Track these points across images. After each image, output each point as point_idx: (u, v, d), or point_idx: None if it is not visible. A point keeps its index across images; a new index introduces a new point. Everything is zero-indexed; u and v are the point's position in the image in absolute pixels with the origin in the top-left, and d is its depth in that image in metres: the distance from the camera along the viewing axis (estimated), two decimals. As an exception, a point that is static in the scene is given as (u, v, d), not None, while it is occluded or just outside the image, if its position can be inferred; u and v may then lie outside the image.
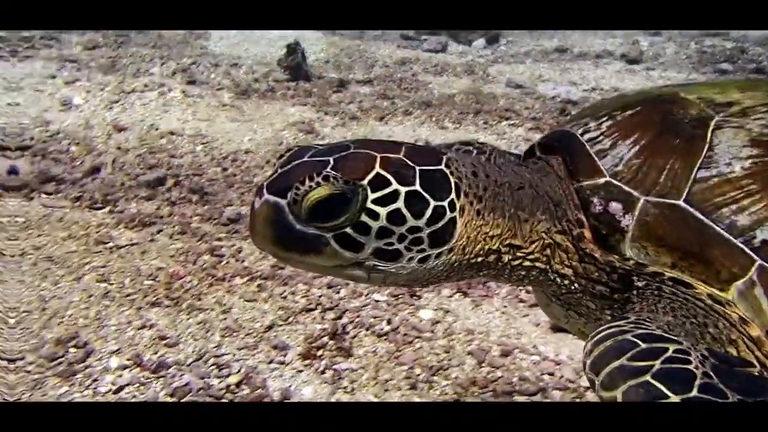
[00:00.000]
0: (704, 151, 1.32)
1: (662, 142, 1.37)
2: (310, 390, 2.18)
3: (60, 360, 2.16)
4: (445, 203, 1.32)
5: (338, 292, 2.67)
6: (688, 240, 1.30)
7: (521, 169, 1.49)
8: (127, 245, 2.83)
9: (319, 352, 2.32)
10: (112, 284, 2.57)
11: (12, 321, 2.31)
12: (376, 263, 1.30)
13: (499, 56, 8.17)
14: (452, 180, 1.34)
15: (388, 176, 1.28)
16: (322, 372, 2.27)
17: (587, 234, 1.39)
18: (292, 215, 1.25)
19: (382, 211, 1.27)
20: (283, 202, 1.25)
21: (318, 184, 1.24)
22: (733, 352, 1.31)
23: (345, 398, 2.16)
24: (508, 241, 1.42)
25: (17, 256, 2.71)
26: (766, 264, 1.24)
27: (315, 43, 7.66)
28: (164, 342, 2.31)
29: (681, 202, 1.30)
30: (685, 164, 1.31)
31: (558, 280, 1.45)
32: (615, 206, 1.35)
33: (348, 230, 1.26)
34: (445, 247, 1.34)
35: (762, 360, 1.28)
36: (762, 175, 1.29)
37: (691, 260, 1.30)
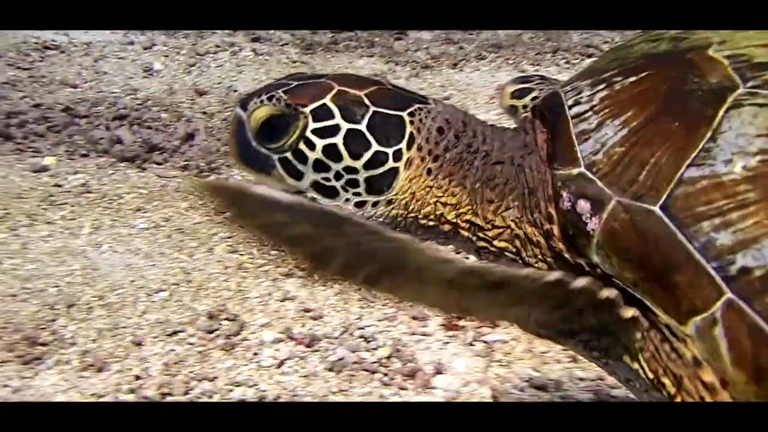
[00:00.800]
0: (703, 142, 1.06)
1: (657, 124, 1.12)
2: (462, 363, 2.18)
3: (217, 333, 2.23)
4: (390, 150, 1.25)
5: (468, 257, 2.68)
6: (655, 257, 1.07)
7: (515, 141, 1.31)
8: (247, 213, 2.88)
9: (461, 323, 2.33)
10: (243, 255, 2.62)
11: (166, 294, 2.39)
12: (316, 196, 1.27)
13: None
14: (408, 130, 1.26)
15: (334, 109, 1.25)
16: (471, 344, 2.27)
17: (556, 232, 1.21)
18: (249, 132, 1.27)
19: (319, 143, 1.24)
20: (244, 116, 1.27)
21: (262, 103, 1.25)
22: (681, 392, 1.12)
23: (502, 372, 2.17)
24: (466, 217, 1.29)
25: (151, 228, 2.78)
26: (736, 299, 1.00)
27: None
28: (309, 314, 2.35)
29: (656, 209, 1.06)
30: (675, 158, 1.07)
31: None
32: (583, 205, 1.14)
33: (289, 155, 1.25)
34: (382, 197, 1.27)
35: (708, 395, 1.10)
36: (765, 180, 1.03)
37: (654, 283, 1.08)
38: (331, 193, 1.27)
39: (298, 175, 1.26)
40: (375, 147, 1.25)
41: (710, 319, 1.03)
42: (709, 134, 1.06)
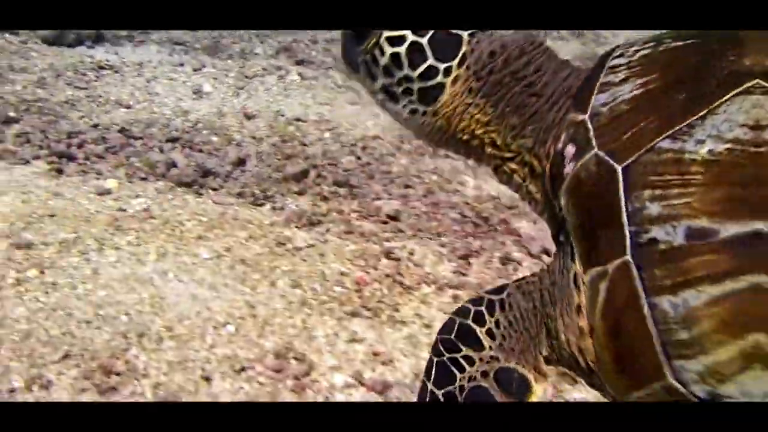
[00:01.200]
0: (693, 119, 1.07)
1: (667, 91, 1.14)
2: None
3: (286, 372, 2.29)
4: (441, 66, 1.35)
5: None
6: (594, 210, 1.14)
7: (564, 80, 1.37)
8: (304, 247, 2.96)
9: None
10: (306, 290, 2.69)
11: (232, 328, 2.48)
12: (385, 99, 1.40)
13: None
14: (463, 49, 1.35)
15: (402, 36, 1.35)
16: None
17: (546, 170, 1.30)
18: (347, 35, 1.43)
19: (387, 50, 1.35)
20: None
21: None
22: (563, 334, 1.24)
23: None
24: (491, 135, 1.39)
25: (214, 258, 2.87)
26: (631, 263, 1.05)
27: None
28: (379, 358, 2.39)
29: (619, 168, 1.10)
30: (660, 127, 1.09)
31: (531, 202, 1.41)
32: (569, 149, 1.22)
33: (368, 57, 1.38)
34: (430, 108, 1.38)
35: (581, 352, 1.20)
36: (723, 168, 1.03)
37: (583, 231, 1.16)
38: (394, 98, 1.40)
39: (373, 77, 1.40)
40: (430, 60, 1.34)
41: (603, 272, 1.10)
42: (703, 113, 1.07)
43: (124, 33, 6.44)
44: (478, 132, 1.40)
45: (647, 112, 1.14)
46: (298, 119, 4.61)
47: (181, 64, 5.38)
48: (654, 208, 1.05)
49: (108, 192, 3.48)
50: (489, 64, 1.36)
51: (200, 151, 4.13)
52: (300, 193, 3.62)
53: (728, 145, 1.04)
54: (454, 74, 1.35)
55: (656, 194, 1.06)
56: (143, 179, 3.69)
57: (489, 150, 1.41)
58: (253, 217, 3.30)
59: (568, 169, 1.20)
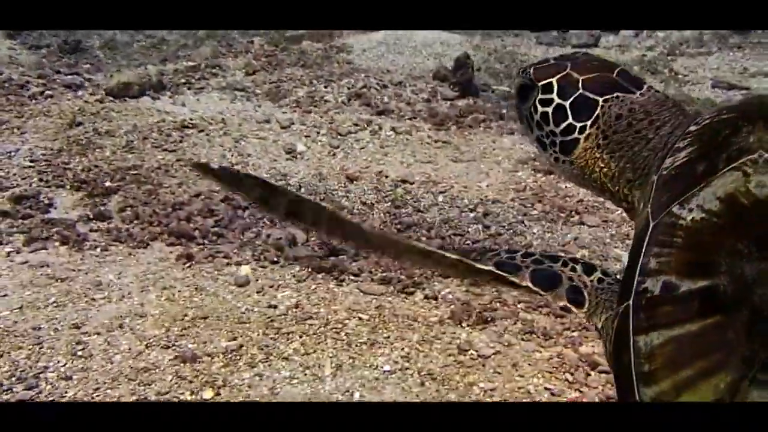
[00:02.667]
0: (694, 190, 1.24)
1: (695, 163, 1.33)
2: None
3: None
4: (578, 125, 1.63)
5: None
6: (631, 259, 1.33)
7: (673, 138, 1.53)
8: (491, 355, 2.76)
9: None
10: (513, 408, 2.51)
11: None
12: (538, 147, 1.72)
13: (668, 45, 7.68)
14: (597, 112, 1.62)
15: (555, 87, 1.65)
16: None
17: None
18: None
19: (540, 110, 1.67)
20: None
21: (518, 75, 1.77)
22: None
23: None
24: (614, 187, 1.63)
25: (397, 372, 2.65)
26: (630, 306, 1.25)
27: (456, 47, 7.46)
28: None
29: (651, 224, 1.30)
30: (677, 195, 1.27)
31: None
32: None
33: (527, 114, 1.71)
34: (568, 158, 1.66)
35: None
36: (693, 234, 1.22)
37: (624, 273, 1.39)
38: (543, 147, 1.70)
39: (530, 130, 1.72)
40: (570, 120, 1.63)
41: (616, 311, 1.32)
42: (702, 185, 1.24)
43: (182, 80, 6.26)
44: (605, 181, 1.64)
45: (680, 180, 1.32)
46: (404, 180, 4.42)
47: (267, 121, 5.17)
48: (653, 263, 1.24)
49: (246, 282, 3.27)
50: (615, 125, 1.61)
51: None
52: (444, 276, 3.42)
53: (703, 215, 1.21)
54: (587, 132, 1.63)
55: (657, 251, 1.24)
56: (274, 262, 3.48)
57: (615, 197, 1.66)
58: (412, 312, 3.09)
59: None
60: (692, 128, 1.44)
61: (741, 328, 1.09)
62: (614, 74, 1.68)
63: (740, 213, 1.18)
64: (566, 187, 4.42)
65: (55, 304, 3.00)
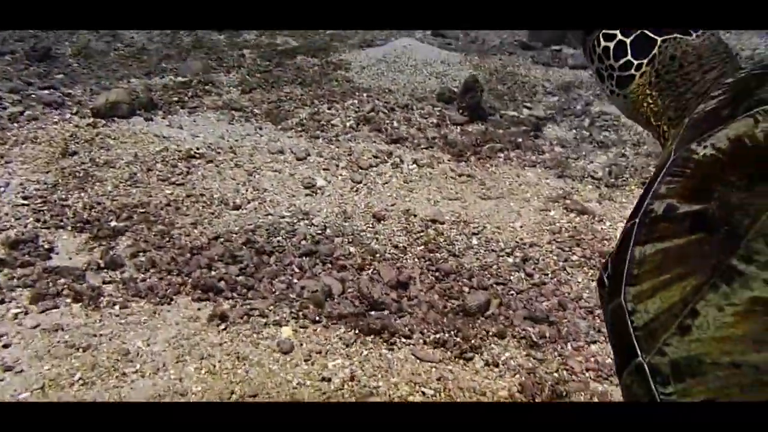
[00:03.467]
0: (711, 131, 1.36)
1: (720, 109, 1.45)
2: None
3: None
4: (635, 62, 1.71)
5: None
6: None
7: (715, 80, 1.67)
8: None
9: None
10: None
11: None
12: (596, 78, 1.84)
13: None
14: (654, 51, 1.70)
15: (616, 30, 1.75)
16: None
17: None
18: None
19: (602, 44, 1.76)
20: None
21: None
22: None
23: None
24: (658, 122, 1.74)
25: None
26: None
27: (456, 66, 7.25)
28: None
29: (670, 159, 1.41)
30: (698, 135, 1.39)
31: None
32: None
33: (589, 46, 1.80)
34: (623, 92, 1.76)
35: None
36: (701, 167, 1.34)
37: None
38: (601, 79, 1.81)
39: (592, 61, 1.82)
40: (628, 56, 1.72)
41: (626, 226, 1.39)
42: (721, 126, 1.36)
43: (174, 98, 5.89)
44: (651, 117, 1.75)
45: (704, 122, 1.43)
46: (434, 220, 4.15)
47: (281, 152, 4.83)
48: (663, 189, 1.35)
49: (290, 347, 2.96)
50: (667, 64, 1.70)
51: (344, 268, 3.64)
52: (500, 336, 3.17)
53: (713, 152, 1.32)
54: (642, 69, 1.71)
55: (669, 179, 1.36)
56: (316, 321, 3.17)
57: (657, 130, 1.75)
58: (477, 383, 2.82)
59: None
60: (728, 80, 1.58)
61: (716, 244, 1.23)
62: None
63: (741, 152, 1.30)
64: (602, 229, 4.22)
65: (81, 382, 2.63)
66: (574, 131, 5.86)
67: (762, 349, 1.11)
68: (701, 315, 1.18)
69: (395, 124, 5.67)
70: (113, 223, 3.85)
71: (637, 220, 1.39)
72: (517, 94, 6.78)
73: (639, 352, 1.25)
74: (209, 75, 6.50)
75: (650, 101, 1.75)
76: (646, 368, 1.22)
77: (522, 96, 6.73)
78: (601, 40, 1.78)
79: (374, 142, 5.18)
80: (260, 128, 5.49)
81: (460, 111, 6.02)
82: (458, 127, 5.75)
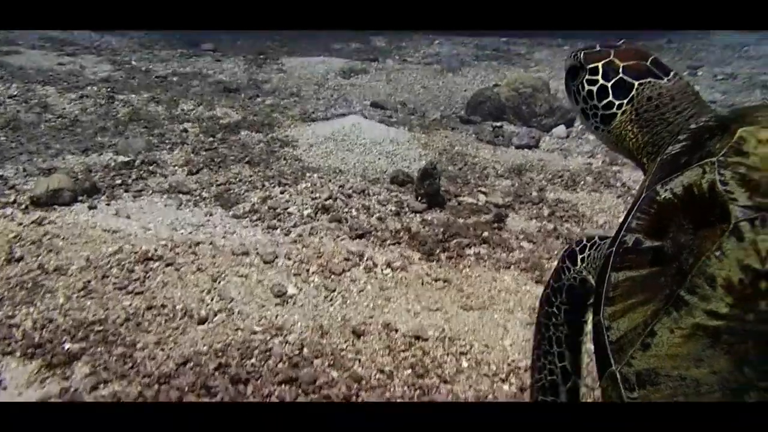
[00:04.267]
0: (672, 176, 1.63)
1: (682, 156, 1.70)
2: None
3: None
4: (617, 102, 2.02)
5: None
6: None
7: (687, 120, 1.95)
8: None
9: None
10: None
11: None
12: (581, 117, 2.14)
13: (610, 155, 7.70)
14: (633, 93, 2.00)
15: (600, 70, 2.05)
16: None
17: None
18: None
19: (586, 87, 2.07)
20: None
21: (570, 58, 2.16)
22: None
23: None
24: (639, 154, 2.01)
25: None
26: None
27: (405, 145, 7.18)
28: None
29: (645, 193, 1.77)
30: (661, 178, 1.66)
31: None
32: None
33: (575, 89, 2.13)
34: (606, 128, 2.07)
35: None
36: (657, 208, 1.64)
37: None
38: (586, 117, 2.12)
39: (576, 102, 2.13)
40: (610, 98, 2.03)
41: (606, 254, 1.72)
42: (679, 172, 1.66)
43: (117, 181, 5.47)
44: (634, 150, 2.03)
45: (670, 165, 1.70)
46: (417, 336, 3.94)
47: (245, 253, 4.51)
48: (633, 224, 1.65)
49: None
50: (644, 105, 2.00)
51: (328, 398, 3.36)
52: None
53: (671, 195, 1.59)
54: (623, 109, 2.02)
55: (639, 216, 1.65)
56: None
57: (639, 164, 2.03)
58: None
59: None
60: (692, 126, 1.85)
61: (669, 276, 1.48)
62: (648, 62, 2.05)
63: (690, 198, 1.54)
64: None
65: None
66: (535, 221, 5.84)
67: (701, 366, 1.38)
68: (658, 335, 1.46)
69: (354, 212, 5.47)
70: (68, 346, 3.41)
71: (613, 249, 1.66)
72: (470, 176, 6.75)
73: (613, 363, 1.54)
74: (152, 153, 6.10)
75: (631, 136, 2.04)
76: (618, 376, 1.50)
77: (475, 179, 6.70)
78: (585, 84, 2.10)
79: (340, 238, 4.94)
80: (211, 214, 5.17)
81: (419, 198, 5.89)
82: (418, 215, 5.62)
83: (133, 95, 7.81)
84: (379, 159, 6.77)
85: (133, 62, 10.19)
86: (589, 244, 2.15)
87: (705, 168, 1.55)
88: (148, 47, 11.69)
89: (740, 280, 1.38)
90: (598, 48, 2.14)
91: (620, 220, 1.71)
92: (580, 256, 2.16)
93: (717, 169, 1.52)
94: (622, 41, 2.16)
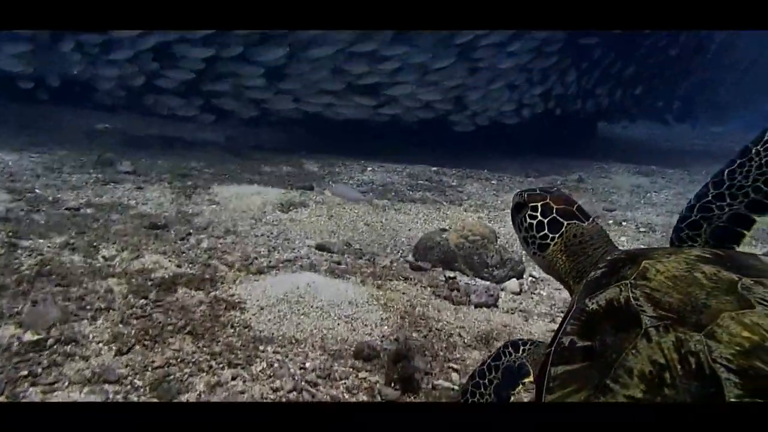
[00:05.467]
0: (595, 290, 2.30)
1: (603, 276, 2.40)
2: None
3: None
4: (551, 235, 2.79)
5: None
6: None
7: (601, 253, 2.72)
8: None
9: None
10: None
11: None
12: (523, 243, 2.91)
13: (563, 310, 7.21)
14: (562, 230, 2.79)
15: (539, 209, 2.81)
16: None
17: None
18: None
19: (527, 221, 2.86)
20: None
21: (517, 196, 2.94)
22: None
23: None
24: (567, 279, 2.78)
25: None
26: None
27: (364, 307, 6.45)
28: None
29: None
30: (588, 292, 2.34)
31: None
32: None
33: (518, 222, 2.92)
34: (542, 254, 2.83)
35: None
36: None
37: None
38: (527, 244, 2.89)
39: (520, 231, 2.91)
40: (546, 231, 2.79)
41: (546, 352, 2.30)
42: (602, 290, 2.29)
43: (23, 372, 4.39)
44: (562, 274, 2.79)
45: (593, 285, 2.35)
46: None
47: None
48: (568, 328, 2.22)
49: None
50: (571, 240, 2.76)
51: None
52: None
53: (596, 307, 2.20)
54: (555, 241, 2.78)
55: (572, 322, 2.22)
56: None
57: (566, 285, 2.82)
58: None
59: None
60: (607, 257, 2.54)
61: (597, 369, 1.97)
62: (574, 207, 2.83)
63: (611, 309, 2.11)
64: None
65: None
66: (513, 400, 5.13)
67: None
68: None
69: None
70: None
71: (552, 349, 2.20)
72: (437, 346, 6.03)
73: None
74: (69, 326, 5.02)
75: (561, 263, 2.76)
76: None
77: (443, 349, 5.99)
78: (527, 219, 2.85)
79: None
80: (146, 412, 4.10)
81: (391, 384, 5.10)
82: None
83: (41, 240, 6.69)
84: (338, 325, 5.98)
85: (37, 190, 8.99)
86: (529, 341, 2.80)
87: (621, 288, 2.14)
88: (56, 170, 10.50)
89: (650, 371, 1.84)
90: (538, 191, 2.89)
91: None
92: (522, 347, 2.80)
93: (630, 288, 2.11)
94: (556, 188, 2.95)
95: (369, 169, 13.90)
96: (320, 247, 8.31)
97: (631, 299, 2.02)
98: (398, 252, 8.82)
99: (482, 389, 2.77)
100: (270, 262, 7.25)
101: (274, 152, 14.72)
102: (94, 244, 6.80)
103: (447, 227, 9.24)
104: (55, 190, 8.97)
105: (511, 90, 15.33)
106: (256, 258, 7.35)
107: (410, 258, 8.58)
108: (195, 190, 9.65)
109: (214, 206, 9.27)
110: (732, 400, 1.66)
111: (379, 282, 7.25)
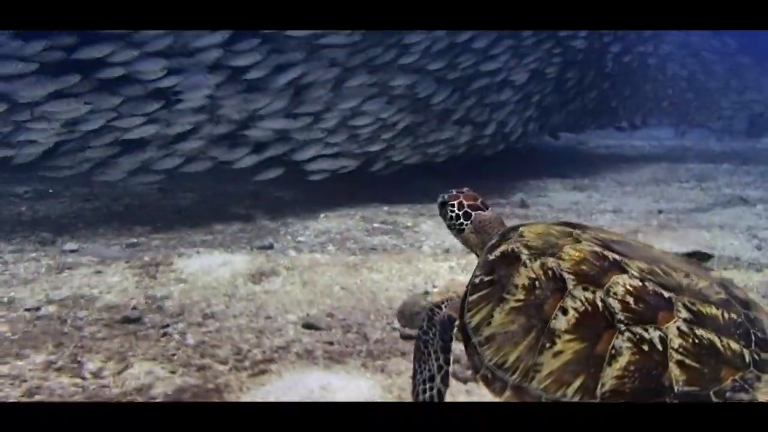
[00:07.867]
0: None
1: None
2: None
3: None
4: (466, 222, 4.17)
5: None
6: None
7: (497, 234, 4.01)
8: None
9: None
10: None
11: None
12: (449, 229, 4.29)
13: None
14: (472, 217, 4.15)
15: (456, 205, 4.22)
16: None
17: None
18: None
19: (449, 213, 4.26)
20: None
21: (440, 198, 4.37)
22: None
23: None
24: (477, 249, 4.10)
25: None
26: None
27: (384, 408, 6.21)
28: None
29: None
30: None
31: None
32: None
33: (442, 212, 4.33)
34: (460, 235, 4.21)
35: None
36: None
37: None
38: (451, 229, 4.27)
39: (445, 219, 4.28)
40: (462, 220, 4.19)
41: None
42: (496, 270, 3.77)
43: None
44: (474, 247, 4.15)
45: (492, 247, 3.96)
46: None
47: None
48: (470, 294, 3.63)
49: None
50: (478, 224, 4.12)
51: None
52: None
53: (494, 257, 3.72)
54: (468, 226, 4.14)
55: (480, 270, 3.81)
56: None
57: (477, 253, 4.02)
58: None
59: None
60: (500, 231, 3.99)
61: (497, 289, 3.44)
62: (479, 201, 4.22)
63: (503, 256, 3.54)
64: None
65: None
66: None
67: (513, 327, 3.20)
68: (494, 317, 3.20)
69: None
70: None
71: (468, 287, 3.46)
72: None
73: (472, 336, 3.27)
74: None
75: (473, 239, 4.11)
76: (475, 342, 3.25)
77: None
78: (448, 211, 4.19)
79: None
80: None
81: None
82: None
83: (20, 362, 6.05)
84: None
85: (-11, 288, 8.19)
86: (445, 300, 3.91)
87: (508, 243, 3.54)
88: (-4, 258, 9.59)
89: (527, 283, 3.22)
90: (454, 192, 4.24)
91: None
92: (443, 305, 3.85)
93: (513, 242, 3.50)
94: (466, 189, 4.30)
95: (322, 215, 13.59)
96: (307, 326, 7.99)
97: (515, 248, 3.44)
98: (383, 318, 8.60)
99: (430, 341, 3.67)
100: (264, 353, 6.89)
101: (219, 207, 14.15)
102: (78, 357, 6.23)
103: (425, 284, 9.10)
104: (7, 287, 8.19)
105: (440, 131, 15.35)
106: (249, 350, 6.96)
107: (397, 325, 8.38)
108: (157, 268, 9.08)
109: (182, 284, 8.75)
110: (570, 288, 3.04)
111: (380, 363, 7.03)
